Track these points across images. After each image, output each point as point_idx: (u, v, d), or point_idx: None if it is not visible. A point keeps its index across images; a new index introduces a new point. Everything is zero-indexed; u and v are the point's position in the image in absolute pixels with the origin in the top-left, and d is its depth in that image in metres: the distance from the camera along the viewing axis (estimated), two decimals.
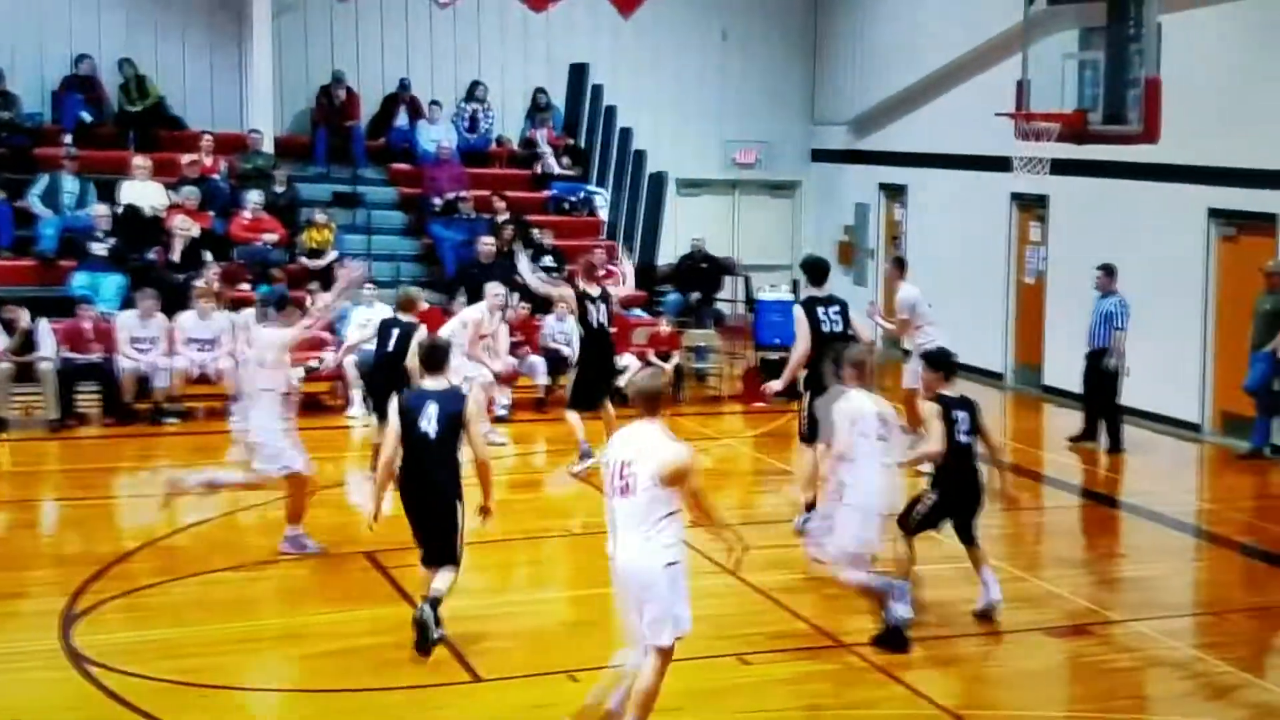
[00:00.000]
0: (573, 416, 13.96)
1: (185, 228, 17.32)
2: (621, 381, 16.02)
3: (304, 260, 18.24)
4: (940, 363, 9.85)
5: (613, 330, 14.42)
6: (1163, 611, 10.23)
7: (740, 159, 23.67)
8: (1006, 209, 19.27)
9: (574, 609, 10.44)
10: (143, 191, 17.99)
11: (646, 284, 20.09)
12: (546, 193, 20.97)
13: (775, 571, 10.31)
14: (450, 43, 21.71)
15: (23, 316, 15.48)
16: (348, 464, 14.38)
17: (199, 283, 16.48)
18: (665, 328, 17.92)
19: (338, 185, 19.96)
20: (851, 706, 8.44)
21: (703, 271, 21.00)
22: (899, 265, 15.06)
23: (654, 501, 7.08)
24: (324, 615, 9.78)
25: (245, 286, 17.40)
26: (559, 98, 22.08)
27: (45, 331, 15.53)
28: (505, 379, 16.11)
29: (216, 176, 18.73)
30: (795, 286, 19.31)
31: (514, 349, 16.60)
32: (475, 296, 15.49)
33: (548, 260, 18.55)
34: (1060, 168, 16.58)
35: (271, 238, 18.18)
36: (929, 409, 9.55)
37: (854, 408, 8.98)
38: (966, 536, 9.73)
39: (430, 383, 9.05)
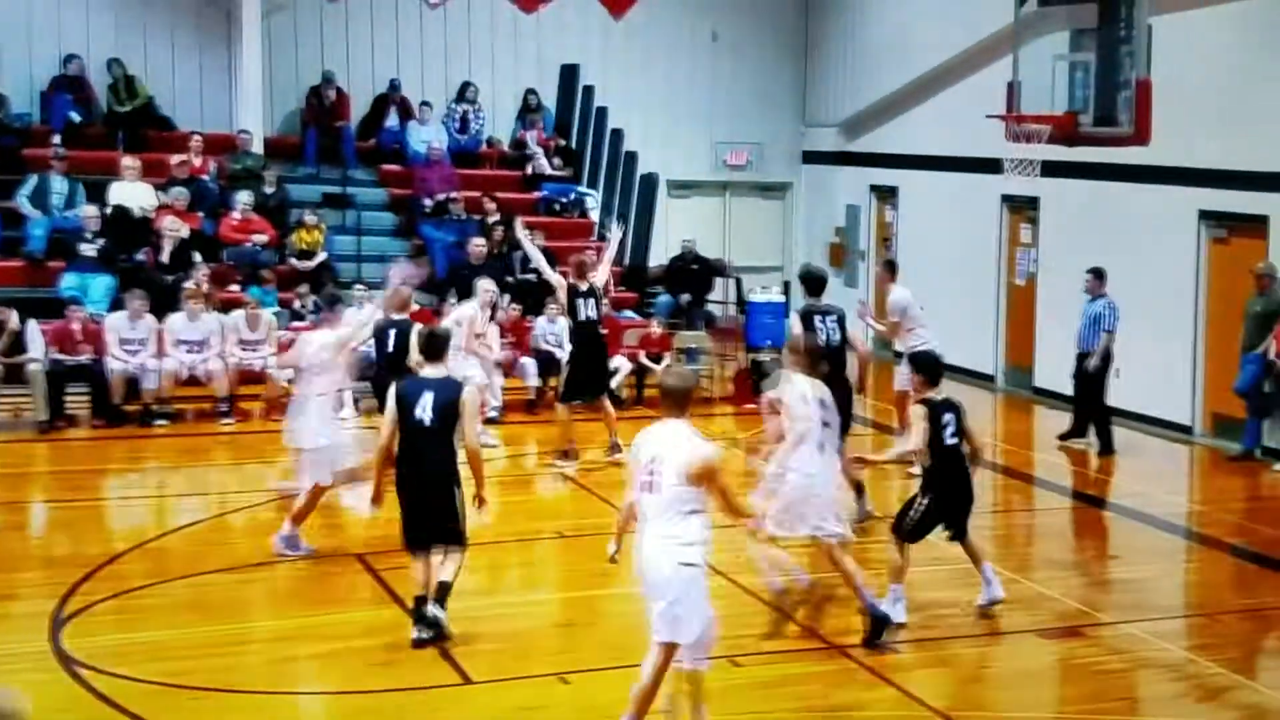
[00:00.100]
0: (563, 413, 14.01)
1: (174, 229, 17.25)
2: (614, 383, 16.10)
3: (294, 261, 18.22)
4: (925, 366, 9.94)
5: (603, 332, 14.44)
6: (1154, 613, 10.24)
7: (731, 160, 23.65)
8: (997, 211, 19.26)
9: (565, 611, 10.42)
10: (132, 192, 17.93)
11: (637, 285, 20.10)
12: (537, 194, 20.95)
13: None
14: (441, 43, 21.68)
15: (12, 318, 15.45)
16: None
17: (188, 284, 16.44)
18: (656, 329, 17.93)
19: (328, 186, 19.90)
20: (842, 708, 8.44)
21: (694, 273, 21.01)
22: (890, 268, 15.09)
23: (678, 499, 7.09)
24: (315, 618, 9.76)
25: (235, 288, 17.37)
26: (550, 99, 22.06)
27: (34, 333, 15.49)
28: (505, 367, 16.36)
29: (206, 177, 18.65)
30: (786, 288, 19.31)
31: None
32: (466, 298, 15.47)
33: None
34: (1051, 169, 16.62)
35: (261, 239, 18.15)
36: (916, 412, 9.61)
37: (798, 391, 9.33)
38: (960, 534, 9.79)
39: (428, 371, 9.15)
